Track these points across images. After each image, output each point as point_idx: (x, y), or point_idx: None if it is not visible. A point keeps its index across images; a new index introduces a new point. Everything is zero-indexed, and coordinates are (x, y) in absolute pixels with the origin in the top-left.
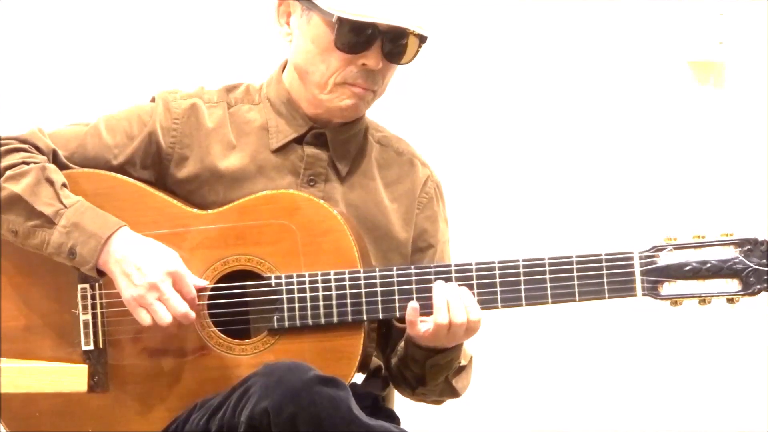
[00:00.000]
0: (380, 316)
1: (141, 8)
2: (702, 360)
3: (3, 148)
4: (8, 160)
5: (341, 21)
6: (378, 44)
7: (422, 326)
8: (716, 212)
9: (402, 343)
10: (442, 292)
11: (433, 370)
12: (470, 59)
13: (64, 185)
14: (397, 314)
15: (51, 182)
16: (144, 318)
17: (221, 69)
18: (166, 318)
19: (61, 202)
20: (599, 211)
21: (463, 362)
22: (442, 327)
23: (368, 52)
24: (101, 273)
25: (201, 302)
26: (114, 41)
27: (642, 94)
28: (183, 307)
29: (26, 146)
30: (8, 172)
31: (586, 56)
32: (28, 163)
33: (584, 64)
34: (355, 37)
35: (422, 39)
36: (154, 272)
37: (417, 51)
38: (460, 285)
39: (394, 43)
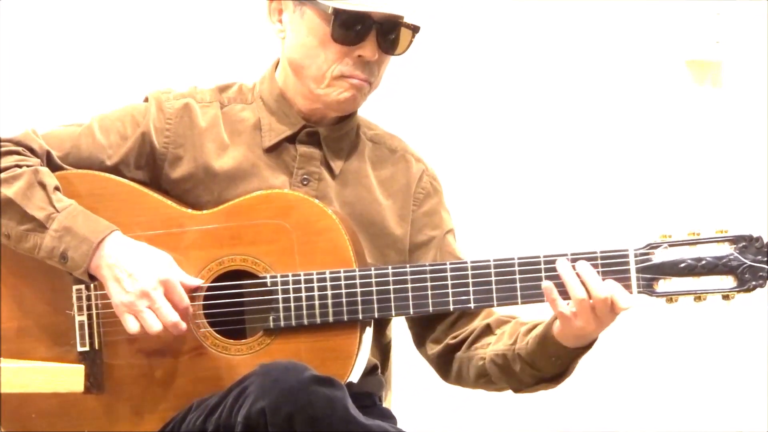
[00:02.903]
0: (376, 315)
1: (134, 8)
2: (701, 359)
3: None
4: (1, 163)
5: (337, 13)
6: (373, 35)
7: (561, 305)
8: (713, 210)
9: (519, 344)
10: (568, 268)
11: (574, 365)
12: (466, 58)
13: (56, 188)
14: (393, 313)
15: (43, 186)
16: (131, 325)
17: (214, 68)
18: (155, 326)
19: (53, 206)
20: (595, 209)
21: None
22: (581, 303)
23: (364, 43)
24: (93, 277)
25: (196, 302)
26: (107, 41)
27: (639, 93)
28: (173, 317)
29: (20, 148)
30: (1, 176)
31: (583, 55)
32: (20, 167)
33: (582, 63)
34: (351, 28)
35: (415, 30)
36: (146, 280)
37: (410, 41)
38: (454, 282)
39: (388, 34)
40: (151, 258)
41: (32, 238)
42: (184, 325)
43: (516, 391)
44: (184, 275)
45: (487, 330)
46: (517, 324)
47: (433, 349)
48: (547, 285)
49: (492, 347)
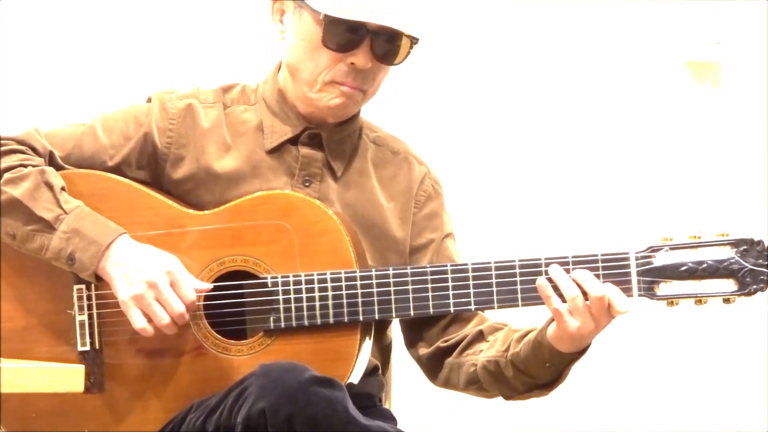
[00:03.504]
0: (376, 316)
1: (137, 8)
2: (701, 360)
3: (1, 149)
4: (6, 162)
5: (329, 19)
6: (367, 44)
7: (556, 301)
8: (713, 213)
9: (512, 350)
10: (560, 270)
11: (567, 372)
12: (467, 59)
13: (63, 189)
14: (394, 315)
15: (50, 186)
16: (137, 320)
17: (217, 69)
18: (164, 318)
19: (61, 208)
20: (596, 211)
21: None
22: (575, 300)
23: (357, 51)
24: (99, 278)
25: (197, 302)
26: (110, 41)
27: (639, 94)
28: (180, 308)
29: (23, 147)
30: (6, 175)
31: (583, 56)
32: (26, 166)
33: (582, 64)
34: (343, 35)
35: (414, 40)
36: (153, 271)
37: (408, 52)
38: (455, 284)
39: (384, 44)
40: (158, 254)
41: (39, 239)
42: (187, 317)
43: (507, 398)
44: (193, 278)
45: (480, 336)
46: (510, 331)
47: (424, 350)
48: (541, 282)
49: (484, 354)
